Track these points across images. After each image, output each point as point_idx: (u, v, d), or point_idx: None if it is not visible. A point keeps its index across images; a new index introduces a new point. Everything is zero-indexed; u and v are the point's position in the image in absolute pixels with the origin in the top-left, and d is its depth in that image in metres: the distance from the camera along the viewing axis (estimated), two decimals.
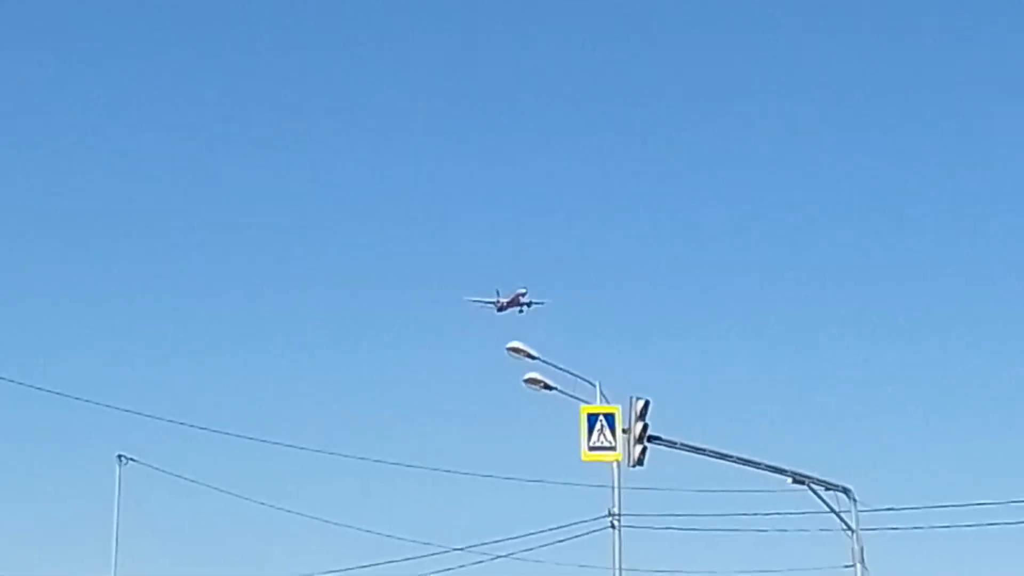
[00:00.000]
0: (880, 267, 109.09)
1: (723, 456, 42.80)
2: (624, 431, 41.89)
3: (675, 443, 42.53)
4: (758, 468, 42.59)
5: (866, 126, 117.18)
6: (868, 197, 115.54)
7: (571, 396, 43.24)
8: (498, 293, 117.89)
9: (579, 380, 43.46)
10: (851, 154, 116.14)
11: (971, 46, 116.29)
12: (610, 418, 42.04)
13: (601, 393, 43.01)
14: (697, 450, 42.74)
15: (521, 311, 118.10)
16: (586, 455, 42.16)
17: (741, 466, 42.82)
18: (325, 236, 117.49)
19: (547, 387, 43.81)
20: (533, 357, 44.17)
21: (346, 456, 56.80)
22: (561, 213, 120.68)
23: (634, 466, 42.05)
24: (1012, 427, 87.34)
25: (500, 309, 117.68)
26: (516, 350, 44.36)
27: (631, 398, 42.26)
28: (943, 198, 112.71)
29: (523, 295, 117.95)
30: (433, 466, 56.53)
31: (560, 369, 43.86)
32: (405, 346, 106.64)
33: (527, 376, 44.03)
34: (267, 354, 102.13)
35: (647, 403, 42.12)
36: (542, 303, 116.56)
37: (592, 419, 42.12)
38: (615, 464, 42.66)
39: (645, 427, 41.94)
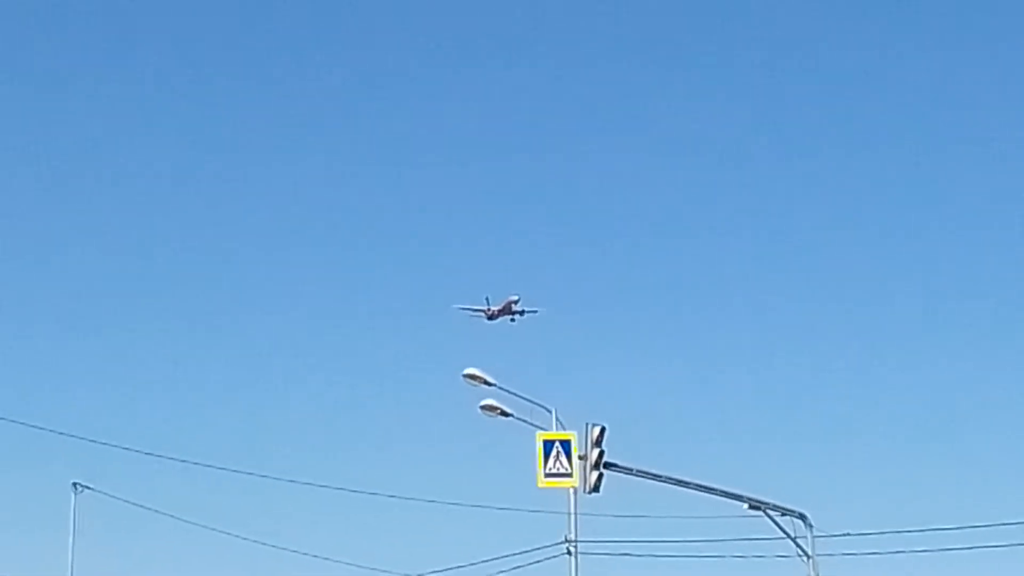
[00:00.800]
0: (835, 295, 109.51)
1: (680, 482, 42.83)
2: (580, 457, 41.88)
3: (631, 469, 42.53)
4: (714, 494, 42.64)
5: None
6: (825, 221, 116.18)
7: (527, 423, 43.26)
8: (488, 301, 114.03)
9: (535, 406, 43.53)
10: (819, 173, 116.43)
11: (972, 46, 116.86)
12: (566, 445, 42.03)
13: (557, 419, 43.03)
14: (653, 476, 42.74)
15: (513, 320, 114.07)
16: (542, 481, 42.13)
17: (698, 492, 42.86)
18: (288, 252, 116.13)
19: (504, 414, 43.81)
20: (489, 383, 44.17)
21: (303, 483, 56.50)
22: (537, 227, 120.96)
23: (590, 492, 42.04)
24: (967, 453, 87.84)
25: (491, 317, 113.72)
26: (472, 376, 44.34)
27: (587, 424, 42.27)
28: (906, 217, 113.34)
29: (515, 302, 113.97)
30: (389, 493, 56.32)
31: (516, 395, 43.89)
32: (363, 373, 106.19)
33: (483, 403, 44.04)
34: (224, 382, 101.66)
35: (603, 429, 42.14)
36: (535, 311, 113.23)
37: (548, 446, 42.10)
38: (571, 490, 42.67)
39: (601, 453, 41.94)
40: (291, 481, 56.77)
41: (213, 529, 56.20)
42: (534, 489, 42.38)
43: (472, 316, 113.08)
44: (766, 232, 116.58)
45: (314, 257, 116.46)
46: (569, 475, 41.88)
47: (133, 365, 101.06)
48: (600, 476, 41.93)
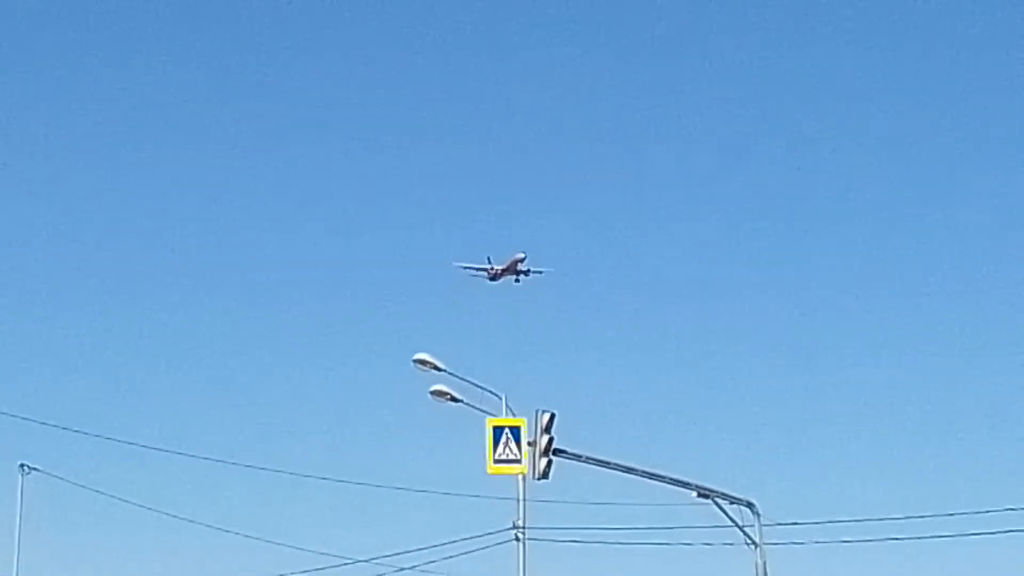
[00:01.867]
0: (779, 282, 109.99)
1: (628, 470, 42.85)
2: (529, 444, 41.85)
3: (580, 456, 42.53)
4: (663, 482, 42.68)
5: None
6: (767, 210, 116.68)
7: (477, 409, 43.28)
8: (490, 260, 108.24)
9: (485, 392, 43.56)
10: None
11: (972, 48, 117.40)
12: (515, 431, 42.03)
13: (507, 406, 43.10)
14: (602, 463, 42.76)
15: (518, 280, 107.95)
16: (491, 468, 42.11)
17: (646, 480, 42.91)
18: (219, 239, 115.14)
19: (453, 399, 43.83)
20: (440, 369, 44.15)
21: (250, 467, 56.42)
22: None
23: (539, 479, 42.00)
24: (914, 442, 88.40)
25: (493, 278, 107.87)
26: (423, 362, 44.32)
27: (537, 411, 42.20)
28: (846, 211, 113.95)
29: (521, 261, 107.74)
30: (338, 477, 56.27)
31: (466, 381, 43.93)
32: (313, 356, 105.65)
33: (433, 388, 44.07)
34: (171, 364, 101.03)
35: (552, 416, 42.09)
36: (540, 272, 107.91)
37: (498, 432, 42.10)
38: (520, 477, 42.77)
39: (551, 440, 41.89)
40: (237, 464, 56.67)
41: (161, 512, 55.96)
42: (483, 475, 42.45)
43: (474, 275, 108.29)
44: (720, 222, 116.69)
45: (260, 237, 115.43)
46: (518, 461, 41.89)
47: (83, 347, 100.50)
48: (549, 463, 41.89)
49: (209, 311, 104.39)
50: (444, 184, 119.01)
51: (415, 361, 44.41)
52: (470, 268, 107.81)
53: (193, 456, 55.72)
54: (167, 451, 55.96)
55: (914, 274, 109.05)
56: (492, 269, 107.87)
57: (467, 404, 43.58)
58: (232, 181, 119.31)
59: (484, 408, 43.10)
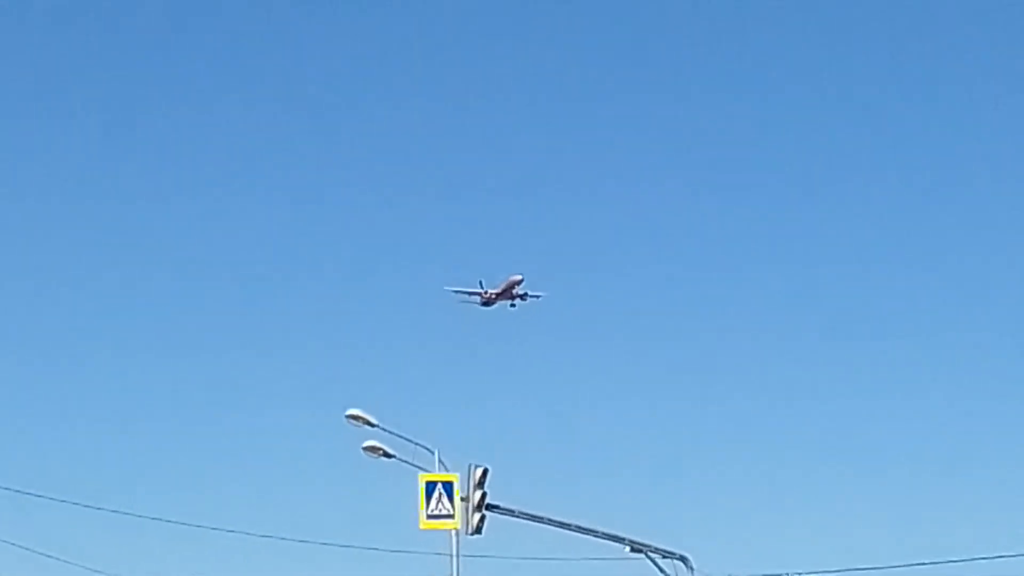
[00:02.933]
0: (712, 336, 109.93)
1: (562, 524, 42.85)
2: (463, 499, 41.81)
3: (513, 511, 42.50)
4: (596, 536, 42.69)
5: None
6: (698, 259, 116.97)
7: (410, 464, 43.08)
8: (481, 284, 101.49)
9: (418, 447, 43.34)
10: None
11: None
12: (448, 486, 41.94)
13: (440, 460, 42.89)
14: (535, 518, 42.73)
15: (513, 305, 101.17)
16: (424, 523, 42.00)
17: (579, 534, 42.90)
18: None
19: (386, 455, 43.59)
20: (372, 424, 43.92)
21: (179, 523, 55.85)
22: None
23: (473, 534, 41.96)
24: (847, 495, 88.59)
25: (487, 303, 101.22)
26: (355, 417, 44.06)
27: (470, 466, 42.25)
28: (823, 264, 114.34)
29: (518, 283, 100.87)
30: (270, 534, 55.84)
31: (399, 436, 43.67)
32: (243, 409, 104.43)
33: (366, 444, 43.79)
34: (97, 418, 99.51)
35: (486, 471, 42.11)
36: (538, 296, 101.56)
37: (430, 487, 42.00)
38: (453, 532, 42.54)
39: (484, 495, 41.90)
40: (166, 521, 56.07)
41: (90, 569, 55.38)
42: (416, 531, 42.27)
43: (466, 301, 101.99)
44: (650, 267, 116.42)
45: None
46: (451, 516, 41.78)
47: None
48: (482, 518, 41.86)
49: (135, 362, 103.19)
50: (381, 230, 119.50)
51: (348, 416, 44.14)
52: (462, 292, 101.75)
53: (116, 512, 55.00)
54: (91, 507, 55.27)
55: (839, 323, 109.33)
56: (486, 293, 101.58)
57: (400, 459, 43.37)
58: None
59: (417, 463, 42.91)
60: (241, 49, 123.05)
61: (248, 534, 55.17)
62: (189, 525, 55.40)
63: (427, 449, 43.23)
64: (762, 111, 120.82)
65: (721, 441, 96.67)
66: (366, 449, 43.73)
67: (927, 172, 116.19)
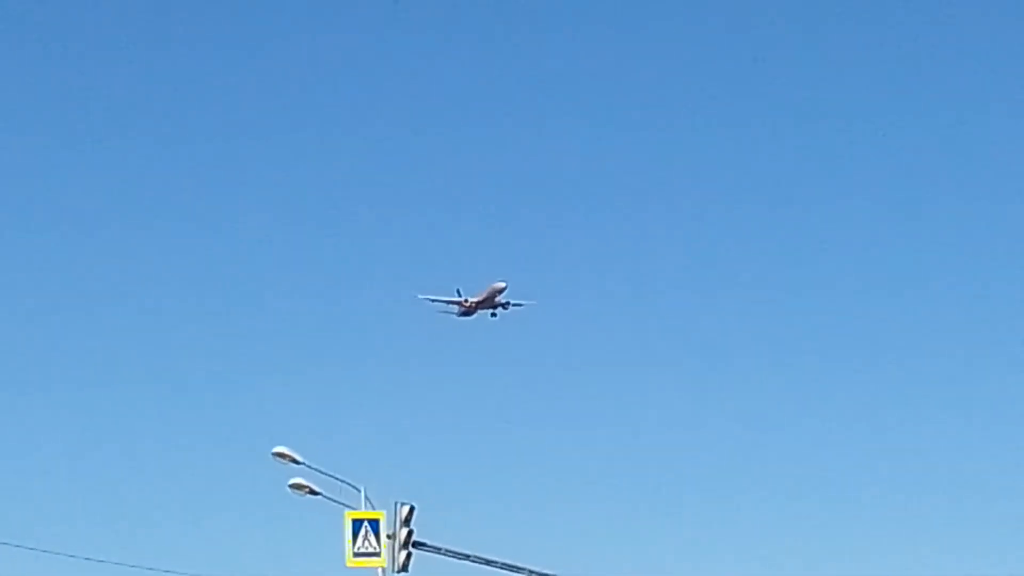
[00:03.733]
0: (642, 377, 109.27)
1: (488, 562, 42.89)
2: (389, 536, 41.79)
3: (440, 549, 42.49)
4: (522, 573, 42.73)
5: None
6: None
7: (336, 501, 43.00)
8: (459, 292, 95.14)
9: (344, 485, 43.28)
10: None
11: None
12: (375, 524, 41.93)
13: (366, 498, 42.85)
14: (462, 556, 42.74)
15: (495, 314, 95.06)
16: (351, 561, 41.94)
17: (507, 571, 42.93)
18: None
19: (312, 492, 43.47)
20: (298, 462, 43.79)
21: (101, 561, 55.25)
22: None
23: (399, 572, 41.93)
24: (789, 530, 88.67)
25: (467, 312, 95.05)
26: (281, 455, 43.93)
27: (396, 503, 42.23)
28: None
29: (501, 291, 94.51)
30: (197, 572, 55.38)
31: (325, 474, 43.58)
32: (168, 447, 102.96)
33: (292, 481, 43.65)
34: (9, 453, 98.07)
35: (412, 508, 42.11)
36: (520, 304, 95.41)
37: (357, 525, 41.98)
38: (380, 570, 42.46)
39: (410, 533, 41.89)
40: (87, 559, 55.44)
41: None
42: (343, 568, 42.14)
43: (443, 311, 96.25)
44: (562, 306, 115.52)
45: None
46: (377, 554, 41.75)
47: None
48: (409, 555, 41.85)
49: (54, 396, 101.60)
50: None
51: (273, 454, 44.01)
52: (439, 302, 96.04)
53: (32, 549, 54.34)
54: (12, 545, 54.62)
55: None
56: (465, 302, 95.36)
57: (326, 496, 43.27)
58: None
59: (343, 500, 42.84)
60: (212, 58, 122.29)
61: (173, 572, 54.65)
62: (110, 563, 54.87)
63: (353, 487, 43.22)
64: (758, 114, 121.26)
65: (655, 478, 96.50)
66: (292, 486, 43.59)
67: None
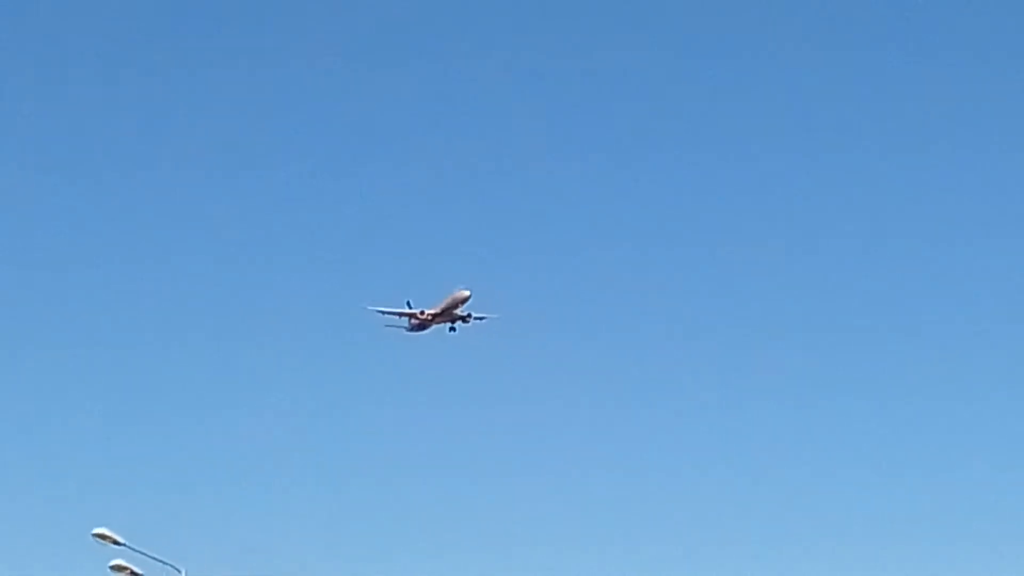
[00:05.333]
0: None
1: None
2: None
3: None
4: None
5: None
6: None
7: None
8: (410, 305, 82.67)
9: (166, 566, 44.64)
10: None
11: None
12: None
13: None
14: None
15: (453, 328, 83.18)
16: None
17: None
18: None
19: (134, 574, 44.48)
20: (119, 543, 44.18)
21: None
22: None
23: None
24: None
25: (421, 326, 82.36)
26: (102, 536, 44.02)
27: None
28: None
29: (464, 301, 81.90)
30: None
31: (146, 555, 44.48)
32: None
33: (113, 563, 44.34)
34: None
35: None
36: (482, 319, 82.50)
37: None
38: None
39: None
40: None
41: None
42: None
43: (392, 324, 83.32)
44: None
45: None
46: None
47: None
48: None
49: None
50: None
51: (94, 535, 43.98)
52: (389, 314, 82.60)
53: None
54: None
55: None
56: (421, 314, 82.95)
57: None
58: None
59: None
60: None
61: None
62: None
63: (175, 568, 44.73)
64: (753, 116, 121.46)
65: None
66: (113, 568, 44.34)
67: None
